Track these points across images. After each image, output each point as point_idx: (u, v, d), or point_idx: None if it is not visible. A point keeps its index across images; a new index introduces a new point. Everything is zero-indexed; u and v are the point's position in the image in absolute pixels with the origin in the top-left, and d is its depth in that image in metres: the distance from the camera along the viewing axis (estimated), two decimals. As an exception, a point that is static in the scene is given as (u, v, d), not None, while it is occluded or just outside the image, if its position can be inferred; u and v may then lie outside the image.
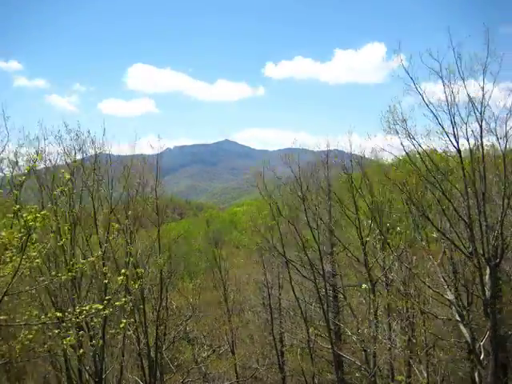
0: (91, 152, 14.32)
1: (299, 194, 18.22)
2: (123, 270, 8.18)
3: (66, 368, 14.03)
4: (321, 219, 18.32)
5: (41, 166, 13.77)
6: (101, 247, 13.02)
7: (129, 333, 15.28)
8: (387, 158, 17.20)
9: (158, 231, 15.85)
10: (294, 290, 21.08)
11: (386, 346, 15.72)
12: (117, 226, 10.54)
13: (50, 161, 13.95)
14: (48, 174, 13.60)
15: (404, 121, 13.08)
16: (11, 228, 6.84)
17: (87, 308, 7.13)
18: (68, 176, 10.24)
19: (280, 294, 25.55)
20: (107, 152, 14.69)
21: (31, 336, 7.12)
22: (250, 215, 22.14)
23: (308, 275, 20.02)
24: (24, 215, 6.23)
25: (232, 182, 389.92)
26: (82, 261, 8.18)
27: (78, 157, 14.22)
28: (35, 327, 7.16)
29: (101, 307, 7.16)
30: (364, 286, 16.57)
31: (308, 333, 20.06)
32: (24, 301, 10.74)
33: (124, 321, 9.12)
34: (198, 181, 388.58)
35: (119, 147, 15.84)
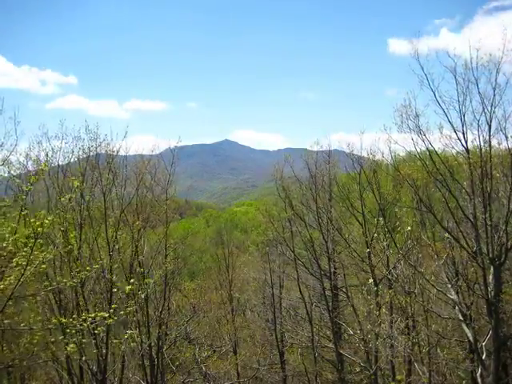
0: (107, 152, 14.40)
1: (313, 192, 18.29)
2: (132, 280, 8.11)
3: (68, 367, 14.01)
4: (329, 218, 18.35)
5: (54, 163, 13.92)
6: (109, 248, 13.02)
7: (132, 342, 15.26)
8: (398, 154, 17.18)
9: (167, 232, 15.78)
10: (300, 289, 21.08)
11: (388, 344, 15.71)
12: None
13: (65, 159, 14.12)
14: (61, 173, 13.71)
15: (416, 117, 13.16)
16: (17, 233, 6.81)
17: (92, 315, 7.08)
18: (77, 183, 10.22)
19: (281, 294, 25.53)
20: (123, 154, 14.75)
21: (35, 341, 7.08)
22: (263, 208, 22.18)
23: (313, 274, 20.07)
24: (32, 221, 6.19)
25: (232, 182, 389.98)
26: (88, 268, 8.13)
27: (93, 155, 14.34)
28: (39, 333, 7.13)
29: (106, 315, 7.11)
30: (371, 280, 16.55)
31: (312, 332, 20.07)
32: (29, 304, 10.73)
33: (128, 332, 9.06)
34: (197, 181, 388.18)
35: (136, 148, 15.87)
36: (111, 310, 7.03)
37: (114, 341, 12.44)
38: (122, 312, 7.45)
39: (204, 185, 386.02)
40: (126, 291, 7.55)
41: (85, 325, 6.88)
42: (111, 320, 7.02)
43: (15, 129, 11.26)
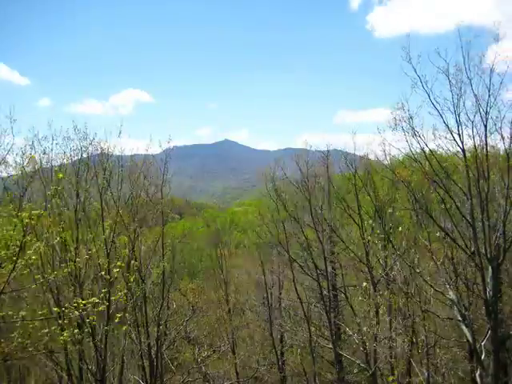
0: (101, 151, 14.39)
1: (306, 193, 18.21)
2: (119, 263, 8.15)
3: (67, 367, 14.02)
4: (325, 219, 18.31)
5: (47, 165, 13.89)
6: (106, 248, 13.03)
7: (127, 332, 15.28)
8: (393, 156, 17.22)
9: (163, 231, 15.79)
10: (296, 290, 21.07)
11: (387, 345, 15.72)
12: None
13: (57, 160, 14.10)
14: (54, 174, 13.72)
15: (410, 118, 13.15)
16: (13, 228, 6.84)
17: (84, 302, 7.14)
18: (61, 175, 10.21)
19: (280, 294, 25.55)
20: (117, 153, 14.74)
21: (29, 332, 7.12)
22: (257, 210, 22.16)
23: (309, 274, 20.04)
24: (19, 214, 6.25)
25: (232, 182, 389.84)
26: (78, 259, 8.16)
27: (85, 156, 14.32)
28: (33, 323, 7.17)
29: (97, 301, 7.18)
30: (365, 284, 16.54)
31: (310, 332, 20.06)
32: (25, 298, 10.76)
33: (119, 315, 9.07)
34: (197, 181, 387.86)
35: (129, 147, 15.83)
36: (101, 295, 7.08)
37: (111, 332, 12.47)
38: (113, 298, 7.48)
39: (204, 185, 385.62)
40: (115, 274, 7.56)
41: (76, 312, 6.91)
42: (103, 307, 7.06)
43: (11, 127, 11.26)
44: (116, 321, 8.30)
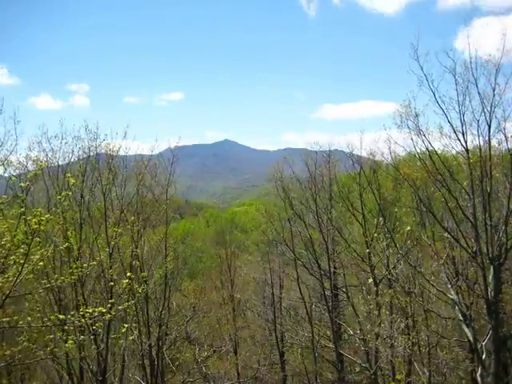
0: (107, 151, 14.38)
1: (313, 193, 18.25)
2: (128, 274, 8.13)
3: (68, 367, 14.01)
4: (329, 219, 18.32)
5: (53, 164, 13.92)
6: (108, 248, 13.02)
7: (131, 336, 15.29)
8: (397, 154, 17.22)
9: (166, 232, 15.75)
10: (300, 289, 21.07)
11: (388, 344, 15.71)
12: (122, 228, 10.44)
13: (64, 159, 14.13)
14: (61, 173, 13.73)
15: (416, 117, 13.16)
16: (16, 231, 6.83)
17: (90, 311, 7.12)
18: (73, 181, 10.22)
19: (281, 294, 25.54)
20: (124, 153, 14.75)
21: (34, 339, 7.10)
22: (264, 208, 22.21)
23: (313, 274, 20.04)
24: (28, 218, 6.21)
25: (232, 182, 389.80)
26: (85, 264, 8.15)
27: (93, 155, 14.32)
28: (39, 328, 7.15)
29: (104, 310, 7.16)
30: (370, 280, 16.54)
31: (312, 332, 20.05)
32: (29, 302, 10.76)
33: (126, 325, 9.06)
34: (197, 181, 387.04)
35: (136, 147, 15.83)
36: (109, 305, 7.04)
37: (113, 336, 12.47)
38: (120, 307, 7.45)
39: (204, 185, 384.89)
40: (124, 285, 7.55)
41: (83, 320, 6.89)
42: (109, 315, 7.04)
43: (15, 128, 11.29)
44: (123, 330, 8.30)
